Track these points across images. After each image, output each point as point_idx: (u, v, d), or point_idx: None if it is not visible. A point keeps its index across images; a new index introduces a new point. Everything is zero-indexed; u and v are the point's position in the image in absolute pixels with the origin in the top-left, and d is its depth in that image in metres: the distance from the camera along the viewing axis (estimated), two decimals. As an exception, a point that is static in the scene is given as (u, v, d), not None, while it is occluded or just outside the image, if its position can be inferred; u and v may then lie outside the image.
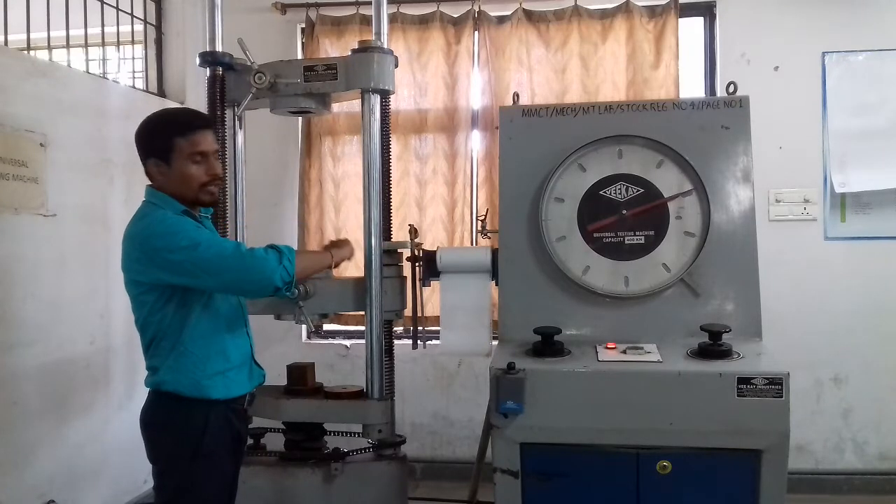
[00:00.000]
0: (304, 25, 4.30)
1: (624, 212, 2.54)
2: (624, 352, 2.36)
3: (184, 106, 2.41)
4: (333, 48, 4.20)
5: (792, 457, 2.25)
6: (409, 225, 2.84)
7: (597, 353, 2.37)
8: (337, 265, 2.55)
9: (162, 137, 2.13)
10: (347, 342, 4.32)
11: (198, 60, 2.83)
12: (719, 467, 2.24)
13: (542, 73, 4.10)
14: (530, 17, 4.10)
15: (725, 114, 2.56)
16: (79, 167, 3.26)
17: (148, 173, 2.18)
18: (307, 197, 4.27)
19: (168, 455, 2.17)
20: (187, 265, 2.03)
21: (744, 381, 2.17)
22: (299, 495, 2.76)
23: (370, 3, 2.86)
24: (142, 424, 2.21)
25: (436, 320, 3.17)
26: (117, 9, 3.71)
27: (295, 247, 4.17)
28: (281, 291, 2.16)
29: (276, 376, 3.05)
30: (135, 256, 2.10)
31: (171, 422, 2.15)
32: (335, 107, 3.37)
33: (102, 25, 3.59)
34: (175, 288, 2.10)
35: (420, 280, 2.80)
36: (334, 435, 2.96)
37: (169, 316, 2.12)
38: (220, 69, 2.80)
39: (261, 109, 2.95)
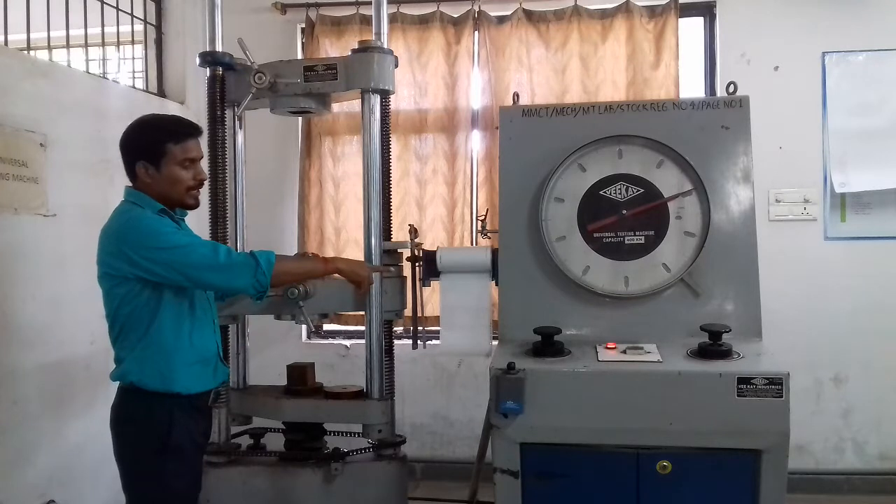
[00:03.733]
0: (304, 25, 4.30)
1: (624, 212, 2.54)
2: (624, 352, 2.36)
3: (173, 114, 2.47)
4: (333, 48, 4.20)
5: (792, 457, 2.25)
6: (409, 225, 2.84)
7: (597, 353, 2.37)
8: (331, 273, 2.51)
9: (155, 142, 2.21)
10: (347, 342, 4.32)
11: (198, 60, 2.83)
12: (719, 467, 2.24)
13: (542, 73, 4.10)
14: (530, 17, 4.10)
15: (725, 114, 2.56)
16: (79, 167, 3.26)
17: (134, 174, 2.23)
18: (307, 197, 4.27)
19: (135, 450, 2.20)
20: (172, 264, 2.11)
21: (744, 381, 2.17)
22: (299, 495, 2.76)
23: (370, 3, 2.86)
24: (110, 422, 2.25)
25: (436, 320, 3.17)
26: (117, 9, 3.71)
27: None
28: (254, 297, 2.27)
29: (276, 376, 3.06)
30: (111, 251, 2.15)
31: (137, 416, 2.19)
32: (335, 107, 3.37)
33: (102, 25, 3.58)
34: (146, 282, 2.14)
35: (420, 280, 2.80)
36: (334, 435, 2.96)
37: (139, 308, 2.16)
38: (220, 69, 2.80)
39: (261, 109, 2.95)
